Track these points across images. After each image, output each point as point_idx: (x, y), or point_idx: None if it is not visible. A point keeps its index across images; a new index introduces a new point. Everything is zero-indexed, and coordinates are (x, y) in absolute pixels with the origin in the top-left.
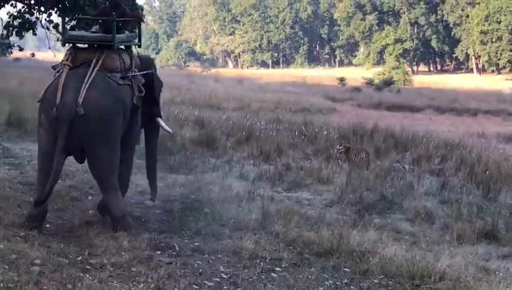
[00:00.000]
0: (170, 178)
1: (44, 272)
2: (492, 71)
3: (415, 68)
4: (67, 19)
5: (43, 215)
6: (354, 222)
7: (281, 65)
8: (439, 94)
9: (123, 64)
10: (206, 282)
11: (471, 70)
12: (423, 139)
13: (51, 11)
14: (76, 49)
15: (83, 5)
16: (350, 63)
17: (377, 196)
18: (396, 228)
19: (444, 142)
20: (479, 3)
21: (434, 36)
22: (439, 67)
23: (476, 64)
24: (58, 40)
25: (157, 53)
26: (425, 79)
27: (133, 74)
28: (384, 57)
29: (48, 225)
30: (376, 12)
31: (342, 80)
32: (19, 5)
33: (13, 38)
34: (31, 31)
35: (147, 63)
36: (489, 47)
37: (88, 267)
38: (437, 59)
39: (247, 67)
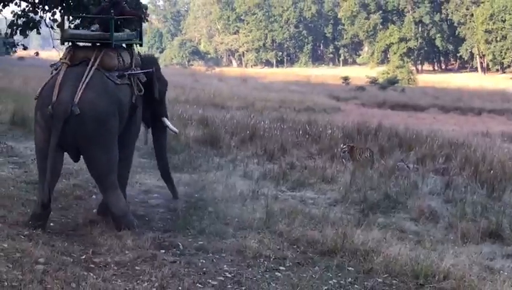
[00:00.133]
0: (174, 177)
1: (48, 270)
2: (497, 70)
3: (419, 67)
4: (66, 18)
5: (47, 214)
6: (358, 221)
7: (285, 64)
8: (443, 93)
9: (122, 63)
10: (210, 281)
11: (476, 70)
12: (427, 139)
13: (55, 10)
14: (75, 47)
15: (86, 4)
16: (354, 62)
17: (381, 195)
18: (401, 227)
19: (449, 142)
20: (483, 2)
21: (438, 35)
22: (443, 66)
23: (481, 63)
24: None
25: (161, 52)
26: (430, 78)
27: (132, 72)
28: (388, 56)
29: (51, 224)
30: (380, 11)
31: (346, 79)
32: (23, 4)
33: (17, 37)
34: (35, 30)
35: (149, 62)
36: (494, 46)
37: (92, 266)
38: (441, 58)
39: (251, 66)
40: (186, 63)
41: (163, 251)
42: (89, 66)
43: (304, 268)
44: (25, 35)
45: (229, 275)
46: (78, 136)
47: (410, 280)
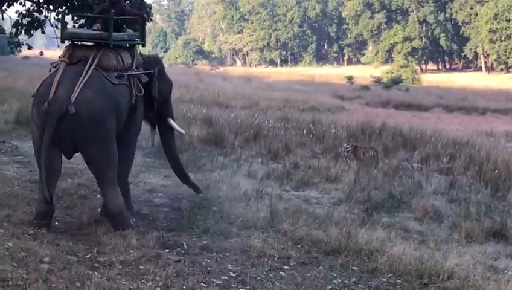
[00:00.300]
0: None
1: (53, 269)
2: (501, 70)
3: (423, 67)
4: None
5: (51, 213)
6: (362, 221)
7: (289, 64)
8: (447, 93)
9: (121, 63)
10: (214, 280)
11: (480, 69)
12: (431, 138)
13: (59, 9)
14: (74, 46)
15: (91, 4)
16: (358, 62)
17: (385, 195)
18: (405, 227)
19: (453, 141)
20: (488, 2)
21: (443, 34)
22: (447, 66)
23: (485, 62)
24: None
25: (165, 51)
26: (434, 77)
27: (130, 72)
28: (392, 55)
29: (56, 223)
30: (384, 11)
31: (350, 78)
32: (28, 4)
33: (22, 37)
34: (40, 29)
35: (151, 63)
36: (498, 46)
37: (96, 265)
38: (446, 58)
39: (256, 66)
40: (191, 62)
41: (168, 250)
42: (87, 65)
43: (308, 267)
44: (30, 35)
45: (233, 275)
46: (74, 135)
47: (415, 280)
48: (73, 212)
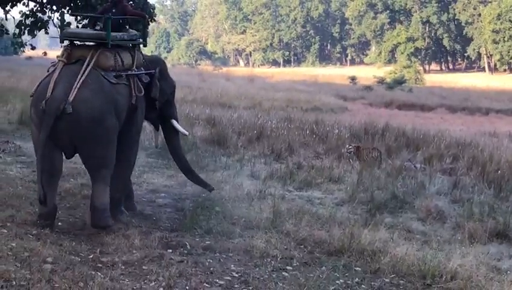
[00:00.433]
0: (181, 177)
1: (56, 270)
2: (505, 70)
3: (426, 67)
4: (66, 17)
5: (54, 213)
6: (365, 221)
7: (292, 64)
8: (450, 93)
9: (121, 62)
10: (217, 280)
11: (483, 69)
12: (435, 138)
13: (63, 9)
14: (73, 46)
15: (94, 4)
16: (361, 62)
17: (388, 195)
18: (408, 227)
19: (456, 142)
20: (491, 2)
21: (446, 35)
22: (450, 66)
23: (488, 63)
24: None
25: (168, 52)
26: (437, 78)
27: (129, 72)
28: (395, 55)
29: (59, 223)
30: (387, 11)
31: (353, 78)
32: (31, 4)
33: (25, 37)
34: (43, 29)
35: (153, 63)
36: (502, 46)
37: (99, 265)
38: (449, 58)
39: (259, 66)
40: (194, 62)
41: (171, 251)
42: (85, 64)
43: (311, 268)
44: (33, 35)
45: (236, 275)
46: (72, 134)
47: (417, 280)
48: (77, 213)
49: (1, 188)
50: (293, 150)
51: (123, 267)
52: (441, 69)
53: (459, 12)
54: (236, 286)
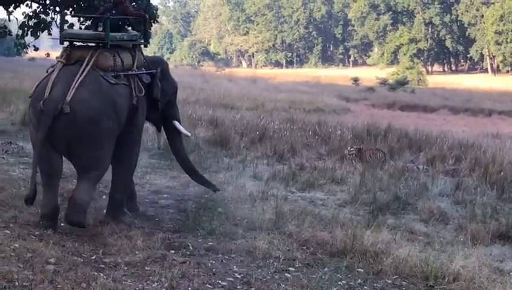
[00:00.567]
0: (183, 177)
1: (59, 270)
2: (507, 71)
3: (429, 68)
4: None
5: (56, 213)
6: (368, 222)
7: (294, 65)
8: (453, 94)
9: (120, 63)
10: (220, 281)
11: (486, 71)
12: (437, 140)
13: (66, 10)
14: (72, 46)
15: (97, 5)
16: (364, 63)
17: (390, 196)
18: (410, 229)
19: (458, 143)
20: (493, 3)
21: (448, 36)
22: (453, 68)
23: (491, 64)
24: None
25: (171, 53)
26: (440, 79)
27: (128, 73)
28: (398, 57)
29: (62, 224)
30: (390, 12)
31: (355, 79)
32: (34, 5)
33: (28, 38)
34: (46, 30)
35: (154, 63)
36: (504, 47)
37: (102, 266)
38: (451, 59)
39: (261, 67)
40: (196, 63)
41: (173, 252)
42: (83, 65)
43: (314, 269)
44: (36, 36)
45: (239, 276)
46: (69, 134)
47: (420, 282)
48: None
49: (4, 189)
50: (295, 151)
51: (126, 268)
52: (444, 70)
53: (462, 14)
54: (238, 287)
